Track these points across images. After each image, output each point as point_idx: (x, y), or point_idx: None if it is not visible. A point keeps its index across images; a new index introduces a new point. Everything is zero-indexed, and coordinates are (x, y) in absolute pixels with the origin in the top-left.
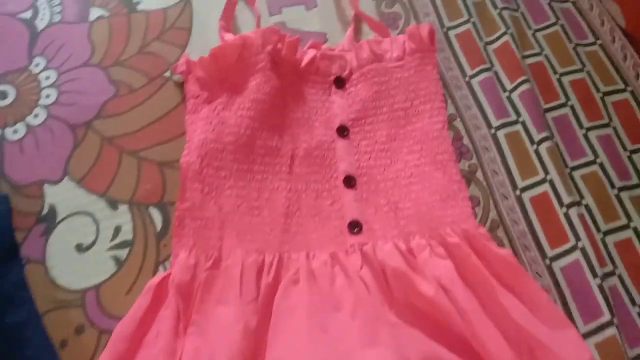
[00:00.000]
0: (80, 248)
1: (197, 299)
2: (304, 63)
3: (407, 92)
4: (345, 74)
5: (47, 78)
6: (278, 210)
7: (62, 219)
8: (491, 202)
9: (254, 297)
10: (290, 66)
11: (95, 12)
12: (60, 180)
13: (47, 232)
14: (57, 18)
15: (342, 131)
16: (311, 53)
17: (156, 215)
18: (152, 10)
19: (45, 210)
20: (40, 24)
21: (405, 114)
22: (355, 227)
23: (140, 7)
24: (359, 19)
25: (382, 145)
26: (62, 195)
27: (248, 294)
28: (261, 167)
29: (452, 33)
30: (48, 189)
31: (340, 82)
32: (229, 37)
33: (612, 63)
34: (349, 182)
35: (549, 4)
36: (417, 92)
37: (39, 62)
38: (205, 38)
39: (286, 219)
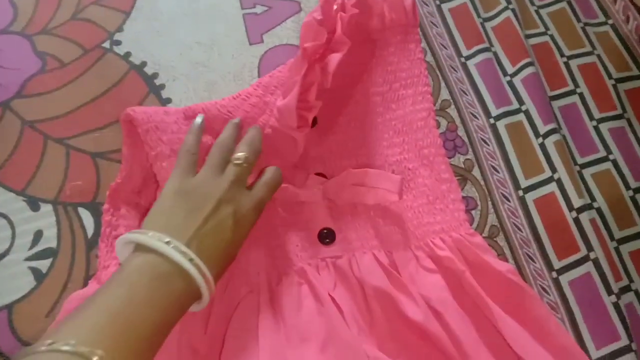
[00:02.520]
0: None
1: None
2: None
3: (385, 74)
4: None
5: None
6: None
7: None
8: (490, 204)
9: (200, 322)
10: None
11: None
12: None
13: None
14: None
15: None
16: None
17: (87, 218)
18: None
19: None
20: None
21: (382, 99)
22: (326, 236)
23: None
24: None
25: (355, 138)
26: None
27: (192, 317)
28: None
29: (445, 7)
30: None
31: None
32: None
33: (626, 46)
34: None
35: None
36: (396, 73)
37: None
38: (155, 3)
39: None
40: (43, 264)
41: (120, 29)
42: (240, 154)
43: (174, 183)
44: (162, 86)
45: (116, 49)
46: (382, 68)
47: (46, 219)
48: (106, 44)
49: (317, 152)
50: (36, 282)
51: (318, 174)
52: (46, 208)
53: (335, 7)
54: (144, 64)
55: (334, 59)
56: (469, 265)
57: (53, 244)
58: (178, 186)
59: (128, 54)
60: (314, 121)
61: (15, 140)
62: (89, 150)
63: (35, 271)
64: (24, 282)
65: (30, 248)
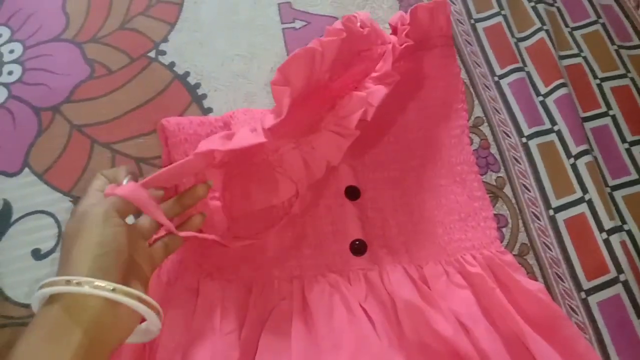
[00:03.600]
0: (38, 254)
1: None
2: None
3: (421, 89)
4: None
5: (11, 52)
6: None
7: (18, 219)
8: (520, 222)
9: (235, 327)
10: None
11: None
12: (19, 172)
13: None
14: None
15: None
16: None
17: (130, 221)
18: None
19: None
20: None
21: (417, 114)
22: (358, 248)
23: None
24: None
25: (389, 153)
26: (20, 191)
27: (228, 323)
28: None
29: (480, 26)
30: (3, 182)
31: None
32: None
33: None
34: (352, 194)
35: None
36: (433, 89)
37: (3, 32)
38: (198, 15)
39: (271, 242)
40: None
41: (165, 40)
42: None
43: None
44: (204, 96)
45: (161, 58)
46: (418, 83)
47: None
48: (152, 54)
49: (350, 164)
50: None
51: (350, 187)
52: None
53: (359, 23)
54: (187, 74)
55: (380, 92)
56: (499, 283)
57: None
58: None
59: (172, 64)
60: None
61: (64, 142)
62: (133, 155)
63: None
64: None
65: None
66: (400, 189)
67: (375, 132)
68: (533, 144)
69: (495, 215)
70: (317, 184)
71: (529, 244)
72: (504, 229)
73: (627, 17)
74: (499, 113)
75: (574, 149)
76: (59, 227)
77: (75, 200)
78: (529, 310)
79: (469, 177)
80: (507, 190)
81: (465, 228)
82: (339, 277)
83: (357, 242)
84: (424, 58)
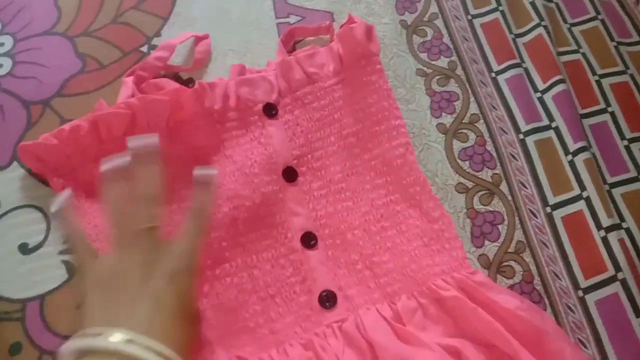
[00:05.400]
0: (25, 249)
1: None
2: (217, 105)
3: (355, 112)
4: (273, 98)
5: (2, 45)
6: (225, 305)
7: (6, 213)
8: (517, 219)
9: None
10: (202, 117)
11: None
12: (7, 166)
13: None
14: None
15: (289, 175)
16: (220, 86)
17: None
18: None
19: None
20: None
21: (357, 139)
22: (327, 299)
23: None
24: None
25: (338, 185)
26: (8, 185)
27: None
28: None
29: (477, 22)
30: None
31: (270, 110)
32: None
33: None
34: (308, 241)
35: None
36: (366, 110)
37: None
38: (191, 9)
39: (238, 313)
40: None
41: (158, 34)
42: (142, 216)
43: (86, 274)
44: None
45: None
46: (351, 107)
47: None
48: (144, 48)
49: (301, 210)
50: (68, 275)
51: (306, 234)
52: None
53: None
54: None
55: None
56: (477, 304)
57: None
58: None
59: None
60: (294, 176)
61: None
62: None
63: (67, 265)
64: (57, 274)
65: (64, 242)
66: (356, 220)
67: (319, 164)
68: (530, 140)
69: (491, 212)
70: (270, 240)
71: (525, 242)
72: (499, 226)
73: (626, 13)
74: (495, 109)
75: (572, 146)
76: (48, 221)
77: None
78: (510, 328)
79: (423, 198)
80: (504, 187)
81: (431, 253)
82: (314, 337)
83: (325, 294)
84: (349, 79)
